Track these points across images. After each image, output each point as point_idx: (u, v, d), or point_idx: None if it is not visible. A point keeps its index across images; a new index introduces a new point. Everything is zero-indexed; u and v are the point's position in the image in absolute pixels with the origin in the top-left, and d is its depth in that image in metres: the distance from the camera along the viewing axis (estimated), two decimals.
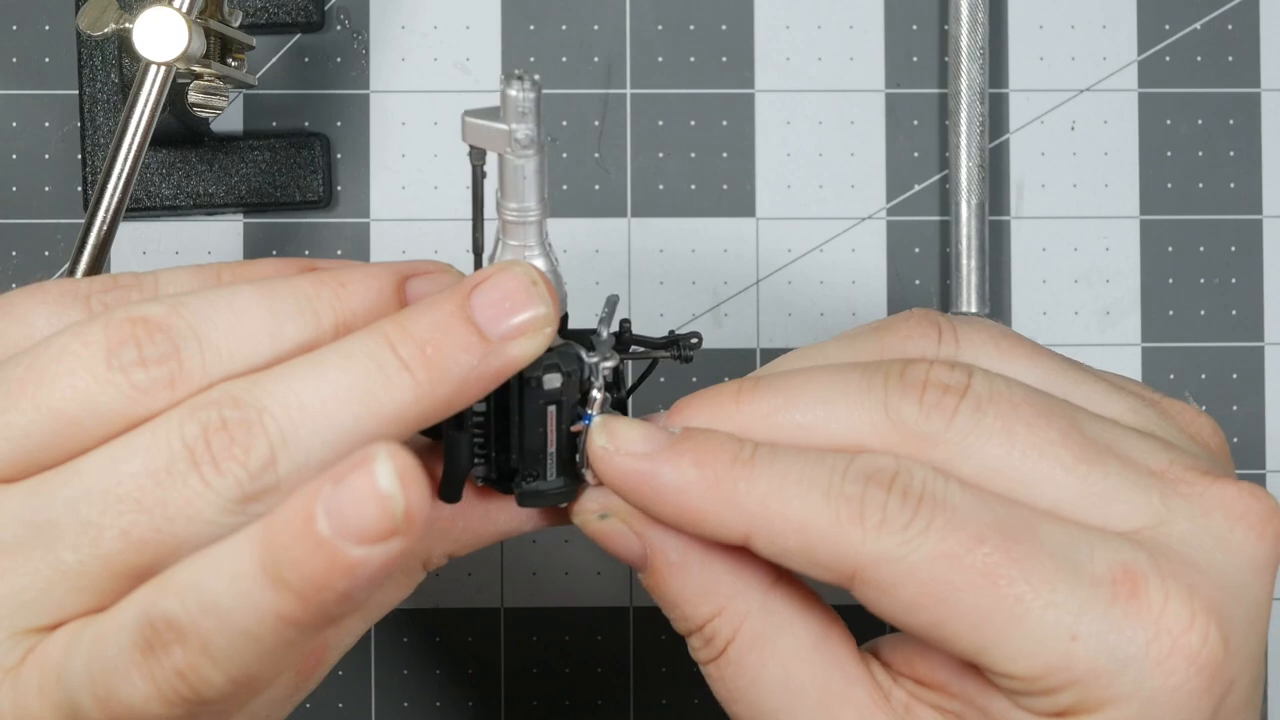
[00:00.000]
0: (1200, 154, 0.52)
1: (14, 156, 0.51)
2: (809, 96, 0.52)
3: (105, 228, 0.40)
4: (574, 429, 0.35)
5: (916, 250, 0.52)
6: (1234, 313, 0.52)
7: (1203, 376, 0.52)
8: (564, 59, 0.52)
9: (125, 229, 0.51)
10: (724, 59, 0.52)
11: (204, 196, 0.50)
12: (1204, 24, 0.53)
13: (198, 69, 0.43)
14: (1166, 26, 0.52)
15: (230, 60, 0.46)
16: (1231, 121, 0.52)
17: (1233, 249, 0.52)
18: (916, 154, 0.52)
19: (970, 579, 0.31)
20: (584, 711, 0.51)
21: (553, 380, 0.34)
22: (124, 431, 0.30)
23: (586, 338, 0.35)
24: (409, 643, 0.51)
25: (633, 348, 0.36)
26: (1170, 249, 0.52)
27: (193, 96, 0.44)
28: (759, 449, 0.33)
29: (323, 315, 0.32)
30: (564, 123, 0.52)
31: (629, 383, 0.37)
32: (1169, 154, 0.52)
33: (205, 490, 0.30)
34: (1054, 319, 0.52)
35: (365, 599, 0.29)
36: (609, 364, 0.35)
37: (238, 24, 0.45)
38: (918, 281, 0.52)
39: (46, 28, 0.51)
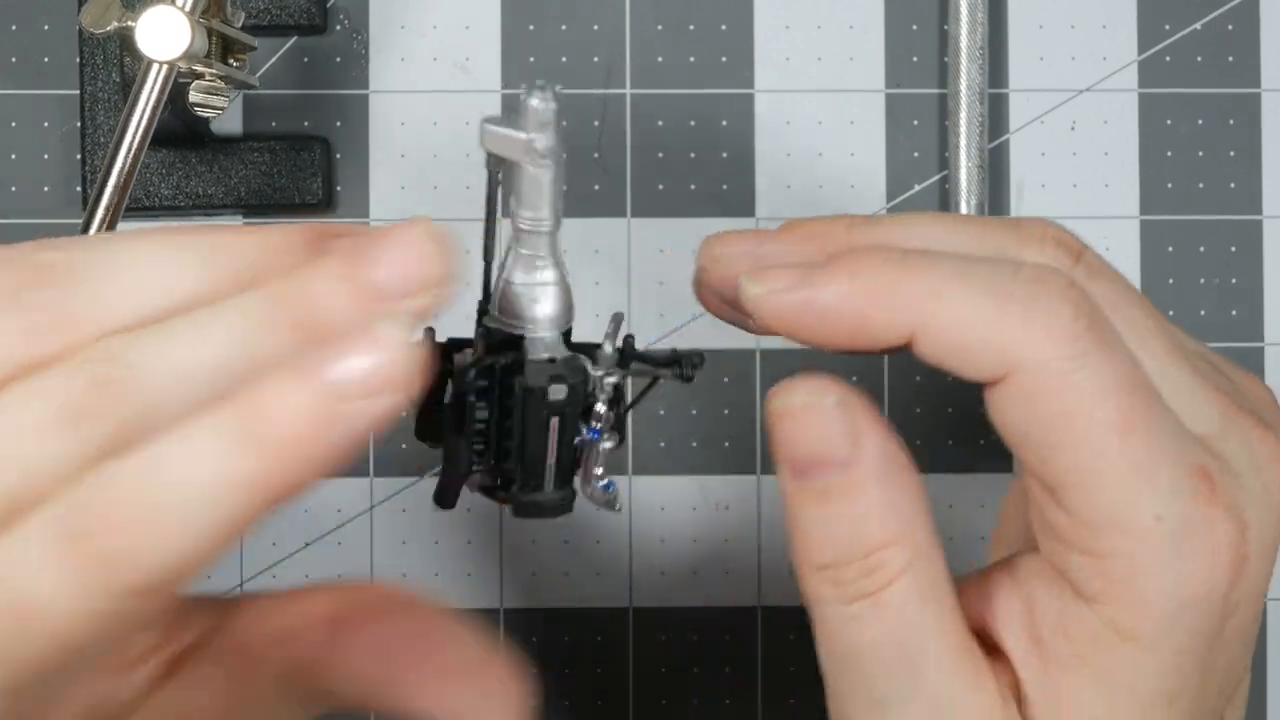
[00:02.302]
0: (1200, 154, 0.52)
1: (13, 156, 0.51)
2: (809, 97, 0.52)
3: (104, 227, 0.40)
4: (576, 441, 0.35)
5: None
6: (1234, 313, 0.52)
7: None
8: (564, 59, 0.52)
9: (129, 228, 0.51)
10: (724, 59, 0.52)
11: (203, 197, 0.50)
12: (1204, 24, 0.53)
13: (199, 68, 0.43)
14: (1167, 26, 0.52)
15: (232, 60, 0.46)
16: (1232, 122, 0.52)
17: (1233, 249, 0.52)
18: (916, 154, 0.52)
19: (1110, 417, 0.32)
20: (583, 712, 0.51)
21: (558, 391, 0.34)
22: (20, 374, 0.28)
23: (591, 351, 0.35)
24: None
25: (635, 364, 0.36)
26: (1170, 249, 0.52)
27: (193, 96, 0.44)
28: (910, 253, 0.33)
29: (222, 268, 0.30)
30: (564, 123, 0.52)
31: (629, 398, 0.37)
32: (1169, 154, 0.52)
33: (71, 444, 0.28)
34: None
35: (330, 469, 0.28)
36: (612, 379, 0.35)
37: (240, 24, 0.45)
38: None
39: (46, 27, 0.51)
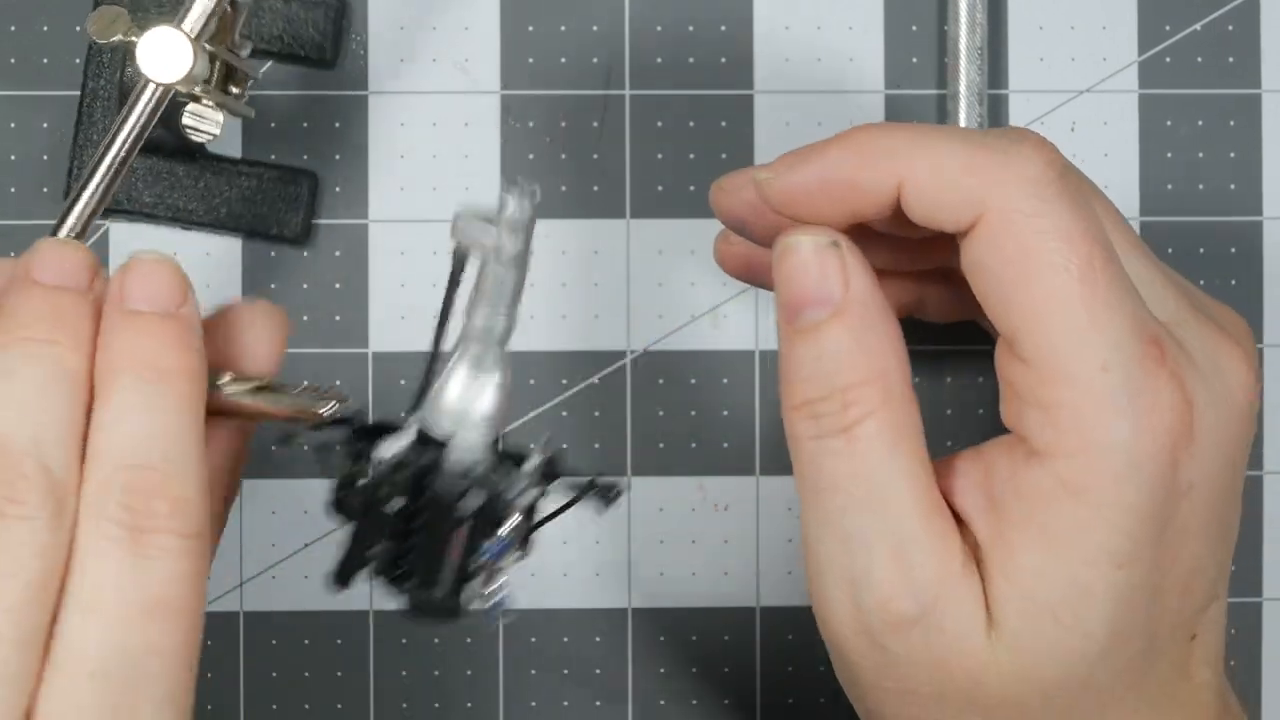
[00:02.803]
0: (1200, 155, 0.52)
1: (12, 157, 0.51)
2: (808, 97, 0.52)
3: (75, 232, 0.40)
4: (481, 551, 0.35)
5: None
6: None
7: None
8: (564, 59, 0.52)
9: (120, 228, 0.51)
10: (723, 59, 0.52)
11: (183, 211, 0.50)
12: (1204, 25, 0.52)
13: (197, 91, 0.43)
14: (1167, 27, 0.52)
15: (232, 88, 0.45)
16: (1232, 123, 0.52)
17: (1233, 250, 0.52)
18: None
19: (1066, 262, 0.34)
20: (582, 712, 0.51)
21: (470, 504, 0.34)
22: None
23: (517, 460, 0.35)
24: (408, 644, 0.51)
25: (554, 483, 0.36)
26: (1170, 250, 0.52)
27: (186, 119, 0.44)
28: (898, 124, 0.37)
29: None
30: (564, 123, 0.52)
31: (541, 514, 0.37)
32: (1169, 155, 0.52)
33: None
34: None
35: None
36: (531, 494, 0.35)
37: (246, 54, 0.45)
38: None
39: (45, 29, 0.51)
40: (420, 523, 0.35)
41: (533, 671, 0.51)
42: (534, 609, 0.51)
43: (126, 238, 0.51)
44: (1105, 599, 0.35)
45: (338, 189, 0.52)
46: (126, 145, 0.40)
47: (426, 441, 0.35)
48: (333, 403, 0.36)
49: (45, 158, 0.51)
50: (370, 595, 0.51)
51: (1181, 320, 0.38)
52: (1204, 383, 0.36)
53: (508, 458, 0.35)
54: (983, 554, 0.36)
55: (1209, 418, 0.36)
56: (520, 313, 0.35)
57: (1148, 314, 0.36)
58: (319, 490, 0.51)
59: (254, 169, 0.50)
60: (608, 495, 0.36)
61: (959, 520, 0.37)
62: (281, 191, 0.50)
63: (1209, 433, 0.36)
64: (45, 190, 0.51)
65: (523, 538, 0.35)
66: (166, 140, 0.49)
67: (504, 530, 0.35)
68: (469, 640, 0.51)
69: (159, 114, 0.40)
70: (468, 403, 0.34)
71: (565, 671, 0.51)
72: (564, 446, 0.36)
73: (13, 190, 0.51)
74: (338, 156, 0.51)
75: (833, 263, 0.36)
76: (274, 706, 0.51)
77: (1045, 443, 0.35)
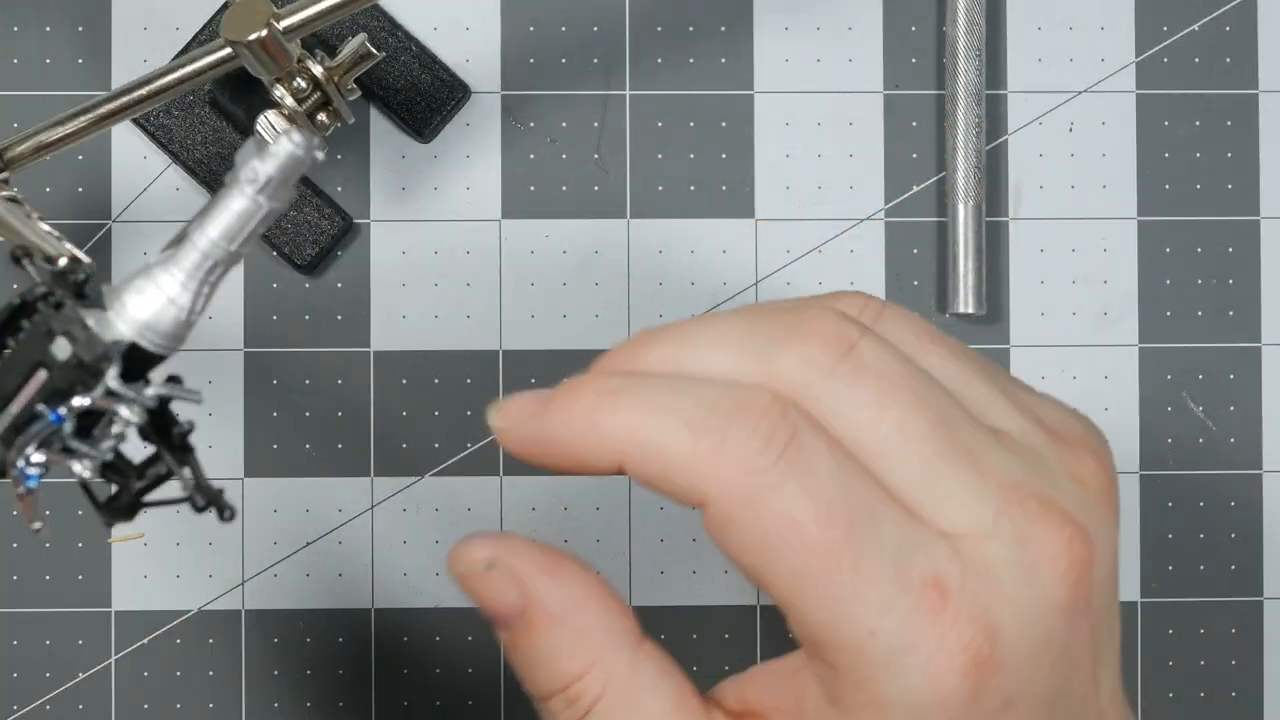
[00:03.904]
0: (1198, 155, 0.53)
1: None
2: (808, 98, 0.52)
3: (111, 109, 0.42)
4: (40, 410, 0.31)
5: (915, 251, 0.52)
6: (1231, 314, 0.53)
7: (1200, 377, 0.53)
8: (564, 59, 0.52)
9: (122, 228, 0.51)
10: (723, 60, 0.52)
11: (218, 179, 0.50)
12: (1202, 26, 0.53)
13: (281, 94, 0.44)
14: (1165, 28, 0.53)
15: (321, 117, 0.46)
16: (1229, 123, 0.53)
17: (1230, 250, 0.53)
18: (915, 155, 0.52)
19: (805, 546, 0.32)
20: None
21: (62, 350, 0.31)
22: None
23: (149, 365, 0.32)
24: (409, 642, 0.51)
25: (169, 452, 0.32)
26: (1168, 250, 0.53)
27: (260, 120, 0.45)
28: (629, 379, 0.34)
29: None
30: (564, 123, 0.52)
31: (181, 469, 0.32)
32: (1167, 155, 0.53)
33: None
34: (1052, 320, 0.52)
35: None
36: (131, 410, 0.31)
37: (351, 98, 0.46)
38: (916, 282, 0.52)
39: (47, 29, 0.51)
40: (7, 347, 0.32)
41: None
42: None
43: (128, 236, 0.51)
44: None
45: (339, 188, 0.52)
46: (188, 68, 0.43)
47: (84, 296, 0.32)
48: (68, 258, 0.34)
49: (47, 157, 0.51)
50: (372, 594, 0.51)
51: (993, 529, 0.34)
52: (1006, 600, 0.33)
53: (137, 363, 0.32)
54: None
55: (1016, 631, 0.33)
56: (243, 254, 0.32)
57: (924, 554, 0.33)
58: (320, 490, 0.51)
59: (301, 186, 0.50)
60: (222, 511, 0.32)
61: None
62: (311, 220, 0.51)
63: (1019, 647, 0.33)
64: (48, 190, 0.51)
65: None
66: (241, 119, 0.49)
67: (74, 401, 0.31)
68: (470, 639, 0.51)
69: (223, 64, 0.42)
70: (130, 292, 0.31)
71: None
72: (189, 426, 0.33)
73: (14, 190, 0.51)
74: (339, 156, 0.52)
75: (498, 582, 0.35)
76: (275, 705, 0.51)
77: (837, 695, 0.34)
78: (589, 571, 0.35)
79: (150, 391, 0.31)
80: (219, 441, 0.51)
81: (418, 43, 0.51)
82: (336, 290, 0.51)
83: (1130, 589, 0.53)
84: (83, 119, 0.44)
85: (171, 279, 0.31)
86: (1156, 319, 0.53)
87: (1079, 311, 0.52)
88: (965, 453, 0.34)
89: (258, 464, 0.51)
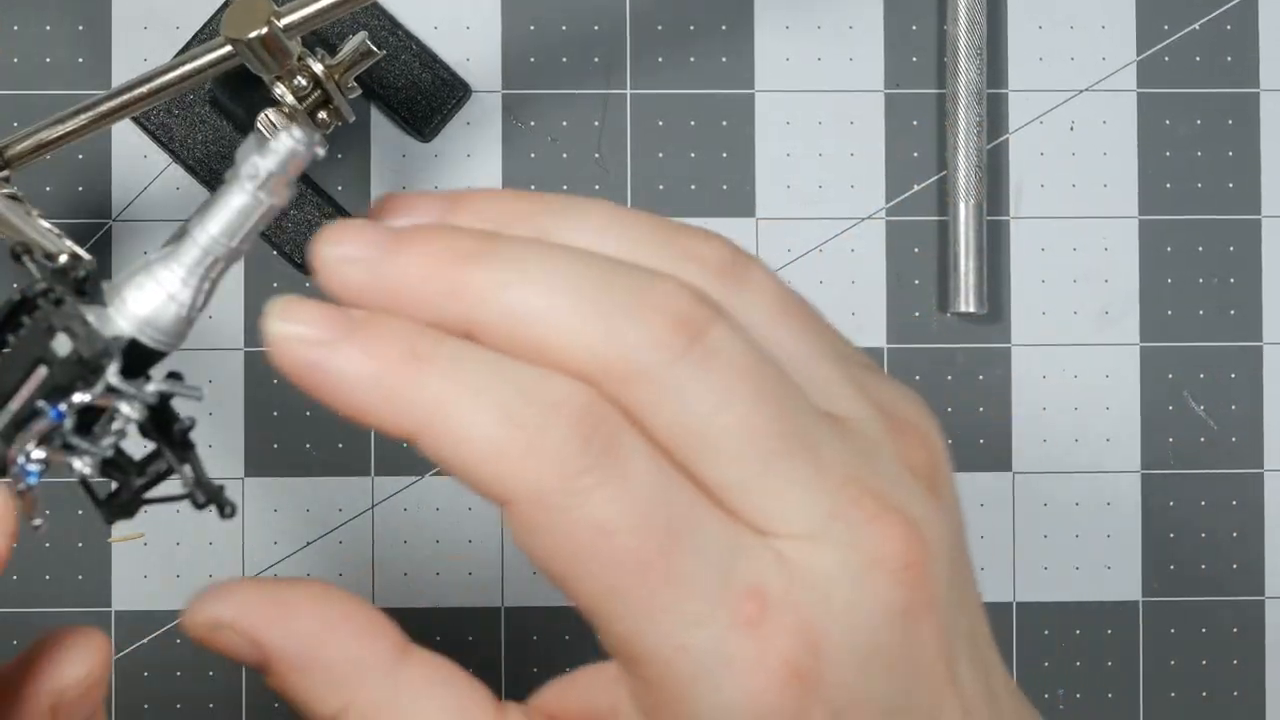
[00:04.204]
0: (1199, 154, 0.53)
1: None
2: (808, 97, 0.52)
3: (112, 107, 0.42)
4: (38, 405, 0.31)
5: (916, 250, 0.52)
6: (1232, 312, 0.53)
7: (1201, 376, 0.53)
8: (564, 59, 0.52)
9: (122, 228, 0.51)
10: (724, 59, 0.52)
11: (216, 177, 0.50)
12: (1203, 24, 0.53)
13: (282, 93, 0.44)
14: (1165, 27, 0.53)
15: (321, 115, 0.46)
16: (1230, 122, 0.53)
17: (1231, 249, 0.53)
18: (916, 154, 0.52)
19: (617, 556, 0.30)
20: None
21: (63, 346, 0.31)
22: None
23: (149, 362, 0.32)
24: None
25: (169, 449, 0.32)
26: (1169, 249, 0.53)
27: (260, 117, 0.45)
28: (443, 346, 0.30)
29: None
30: (564, 123, 0.52)
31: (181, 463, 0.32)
32: (1168, 154, 0.53)
33: None
34: (1053, 319, 0.52)
35: None
36: (133, 407, 0.31)
37: (351, 96, 0.46)
38: (917, 281, 0.52)
39: (47, 28, 0.51)
40: (7, 344, 0.32)
41: (535, 669, 0.51)
42: (535, 606, 0.51)
43: (128, 235, 0.51)
44: None
45: (339, 188, 0.52)
46: (188, 66, 0.43)
47: (84, 293, 0.32)
48: (68, 254, 0.34)
49: (48, 157, 0.51)
50: (372, 594, 0.51)
51: (824, 532, 0.32)
52: (832, 608, 0.31)
53: (138, 359, 0.31)
54: None
55: (843, 641, 0.31)
56: (244, 250, 0.31)
57: (745, 563, 0.31)
58: (320, 489, 0.51)
59: (302, 184, 0.50)
60: (222, 508, 0.32)
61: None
62: (312, 219, 0.50)
63: (847, 657, 0.31)
64: (48, 189, 0.51)
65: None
66: (241, 117, 0.49)
67: (75, 398, 0.31)
68: (470, 639, 0.51)
69: (216, 66, 0.42)
70: (131, 288, 0.31)
71: (568, 669, 0.51)
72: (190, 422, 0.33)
73: (14, 188, 0.51)
74: (339, 155, 0.52)
75: (231, 641, 0.33)
76: (276, 704, 0.51)
77: (646, 709, 0.32)
78: (332, 600, 0.33)
79: (151, 388, 0.31)
80: (219, 441, 0.51)
81: (418, 41, 0.51)
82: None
83: (1131, 588, 0.53)
84: (83, 117, 0.44)
85: (172, 275, 0.31)
86: (1158, 318, 0.53)
87: (1080, 310, 0.52)
88: (806, 448, 0.31)
89: (258, 463, 0.51)
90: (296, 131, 0.31)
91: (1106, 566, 0.53)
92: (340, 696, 0.33)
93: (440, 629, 0.51)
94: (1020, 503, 0.53)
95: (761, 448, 0.31)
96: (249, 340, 0.51)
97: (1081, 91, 0.53)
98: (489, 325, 0.31)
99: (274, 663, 0.32)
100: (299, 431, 0.51)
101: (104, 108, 0.44)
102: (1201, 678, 0.52)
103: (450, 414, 0.30)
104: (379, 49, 0.46)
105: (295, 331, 0.30)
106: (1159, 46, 0.53)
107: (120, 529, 0.51)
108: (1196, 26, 0.53)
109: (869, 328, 0.52)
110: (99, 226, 0.51)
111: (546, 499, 0.30)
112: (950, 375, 0.52)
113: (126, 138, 0.51)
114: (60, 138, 0.44)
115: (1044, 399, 0.52)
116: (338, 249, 0.31)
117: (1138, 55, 0.53)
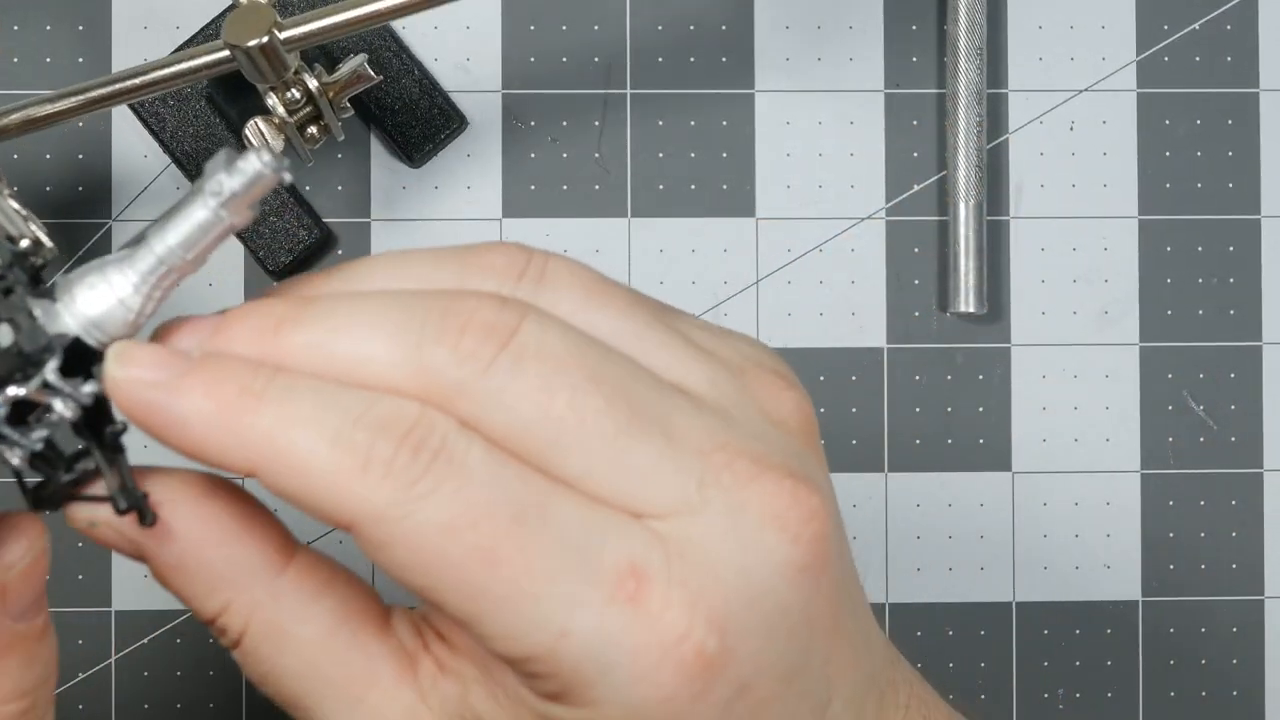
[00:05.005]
0: (1199, 154, 0.53)
1: (15, 156, 0.51)
2: (808, 97, 0.52)
3: (103, 94, 0.42)
4: None
5: (915, 250, 0.52)
6: (1232, 312, 0.53)
7: (1201, 376, 0.53)
8: (564, 59, 0.52)
9: (124, 227, 0.51)
10: (724, 59, 0.52)
11: (190, 161, 0.50)
12: (1202, 24, 0.53)
13: (274, 101, 0.43)
14: (1165, 27, 0.53)
15: (311, 130, 0.46)
16: (1230, 122, 0.53)
17: (1231, 249, 0.53)
18: (915, 154, 0.52)
19: (467, 554, 0.30)
20: None
21: (3, 336, 0.31)
22: None
23: (91, 362, 0.32)
24: None
25: (99, 451, 0.32)
26: (1169, 249, 0.53)
27: (249, 127, 0.45)
28: (275, 380, 0.31)
29: None
30: (564, 122, 0.52)
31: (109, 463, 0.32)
32: (1168, 154, 0.53)
33: None
34: (1052, 319, 0.52)
35: None
36: (68, 398, 0.31)
37: (344, 115, 0.46)
38: (917, 281, 0.52)
39: (48, 28, 0.51)
40: None
41: None
42: None
43: (129, 235, 0.51)
44: None
45: (339, 187, 0.52)
46: (183, 65, 0.43)
47: (39, 282, 0.32)
48: (30, 240, 0.34)
49: (48, 156, 0.51)
50: None
51: (700, 502, 0.31)
52: (723, 579, 0.30)
53: (80, 358, 0.31)
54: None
55: (743, 611, 0.30)
56: (200, 264, 0.32)
57: (616, 541, 0.30)
58: None
59: (288, 191, 0.50)
60: (142, 514, 0.32)
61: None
62: (290, 228, 0.50)
63: (748, 627, 0.30)
64: (49, 189, 0.51)
65: (17, 421, 0.31)
66: (234, 119, 0.49)
67: (9, 391, 0.31)
68: None
69: (210, 73, 0.42)
70: (82, 287, 0.31)
71: None
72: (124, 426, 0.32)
73: (15, 189, 0.51)
74: (339, 155, 0.52)
75: (110, 537, 0.33)
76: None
77: (545, 692, 0.31)
78: (218, 499, 0.33)
79: (87, 389, 0.31)
80: None
81: (421, 67, 0.51)
82: None
83: (1131, 588, 0.53)
84: (74, 100, 0.43)
85: (125, 280, 0.31)
86: (1157, 318, 0.53)
87: (1080, 310, 0.52)
88: (653, 422, 0.31)
89: None
90: (265, 155, 0.31)
91: (1106, 566, 0.53)
92: (218, 600, 0.33)
93: None
94: (1020, 503, 0.53)
95: (603, 432, 0.30)
96: None
97: (1081, 91, 0.53)
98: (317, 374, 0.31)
99: (150, 560, 0.33)
100: None
101: (96, 93, 0.43)
102: (1201, 677, 0.53)
103: (284, 445, 0.30)
104: (380, 70, 0.46)
105: (134, 374, 0.31)
106: (1159, 46, 0.53)
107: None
108: (1196, 26, 0.53)
109: (869, 328, 0.52)
110: (99, 226, 0.51)
111: (385, 512, 0.30)
112: (950, 375, 0.52)
113: (127, 137, 0.51)
114: (48, 116, 0.44)
115: (1044, 399, 0.52)
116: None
117: (1137, 55, 0.53)
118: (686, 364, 0.32)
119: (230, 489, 0.33)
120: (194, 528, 0.33)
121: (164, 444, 0.31)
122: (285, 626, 0.33)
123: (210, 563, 0.33)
